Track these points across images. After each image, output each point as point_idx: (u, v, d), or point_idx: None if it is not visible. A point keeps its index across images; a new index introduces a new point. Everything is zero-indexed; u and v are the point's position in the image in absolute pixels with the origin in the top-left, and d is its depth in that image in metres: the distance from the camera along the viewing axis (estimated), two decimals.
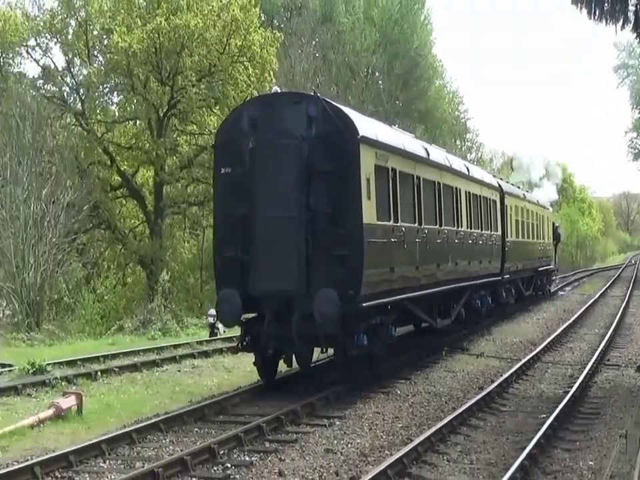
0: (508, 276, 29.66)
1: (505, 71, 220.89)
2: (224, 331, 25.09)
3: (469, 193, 24.40)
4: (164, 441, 12.86)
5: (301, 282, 15.32)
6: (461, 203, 23.26)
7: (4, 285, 30.49)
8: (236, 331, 19.31)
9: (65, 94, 37.86)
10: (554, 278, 47.50)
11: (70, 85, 38.00)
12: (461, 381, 18.49)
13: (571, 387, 16.69)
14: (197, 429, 13.72)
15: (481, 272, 25.34)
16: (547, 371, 20.03)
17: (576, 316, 31.96)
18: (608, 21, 16.65)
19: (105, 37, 36.59)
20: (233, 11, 34.71)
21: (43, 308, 30.25)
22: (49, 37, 36.77)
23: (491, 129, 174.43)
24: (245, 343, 16.36)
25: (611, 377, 19.09)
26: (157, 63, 35.09)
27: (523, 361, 20.23)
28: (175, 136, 37.29)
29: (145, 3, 36.69)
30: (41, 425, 13.88)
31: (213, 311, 24.29)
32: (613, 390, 17.39)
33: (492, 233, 27.30)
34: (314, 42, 51.90)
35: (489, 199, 27.44)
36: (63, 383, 17.48)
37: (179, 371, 19.73)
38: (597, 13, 16.59)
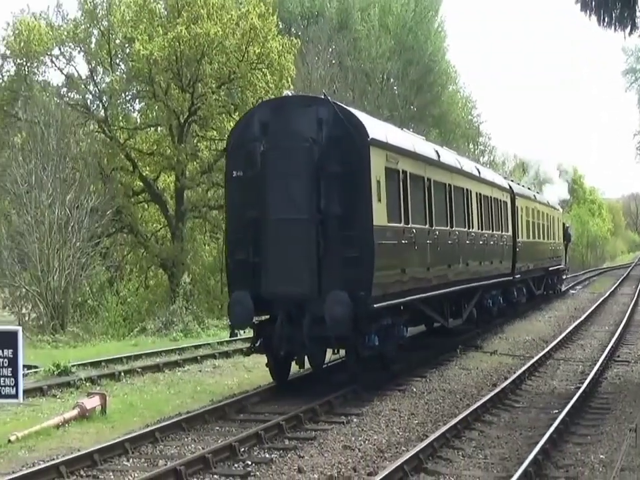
0: (519, 276, 29.76)
1: (515, 75, 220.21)
2: (244, 332, 25.34)
3: (480, 194, 24.42)
4: (186, 440, 13.00)
5: (312, 284, 15.34)
6: (471, 205, 23.29)
7: (29, 288, 30.83)
8: None
9: (88, 101, 38.18)
10: (564, 277, 47.47)
11: (93, 92, 38.38)
12: (475, 378, 18.66)
13: (582, 383, 16.90)
14: (218, 428, 13.81)
15: (492, 272, 25.39)
16: (559, 367, 20.25)
17: (586, 314, 32.18)
18: (617, 27, 16.83)
19: (127, 45, 36.93)
20: (252, 19, 34.99)
21: (68, 311, 30.50)
22: (72, 46, 37.17)
23: (502, 132, 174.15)
24: (257, 345, 16.34)
25: (620, 372, 19.33)
26: (177, 71, 35.42)
27: (536, 358, 20.42)
28: (195, 142, 37.62)
29: (165, 12, 37.05)
30: (66, 425, 14.03)
31: None
32: (622, 385, 17.60)
33: (503, 233, 27.34)
34: (330, 49, 52.15)
35: (500, 200, 27.47)
36: (87, 384, 17.67)
37: (200, 371, 19.91)
38: (606, 19, 16.77)
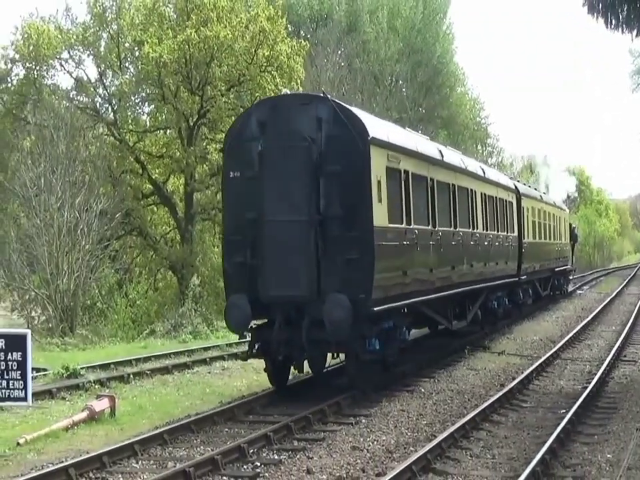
0: (525, 277, 29.60)
1: (518, 76, 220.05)
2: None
3: (485, 194, 24.18)
4: (195, 441, 13.00)
5: (311, 287, 15.00)
6: (476, 205, 23.06)
7: (39, 291, 30.99)
8: None
9: (98, 105, 38.31)
10: (571, 278, 47.43)
11: (102, 95, 38.51)
12: (483, 378, 18.69)
13: (589, 382, 16.94)
14: (227, 429, 13.84)
15: (497, 273, 25.15)
16: (566, 367, 20.29)
17: (593, 314, 32.23)
18: (624, 30, 16.85)
19: (136, 48, 37.01)
20: (261, 22, 35.04)
21: (77, 313, 30.61)
22: (81, 50, 37.27)
23: (508, 132, 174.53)
24: (254, 350, 15.99)
25: (627, 372, 19.35)
26: (187, 73, 35.50)
27: (543, 358, 20.47)
28: (204, 144, 37.68)
29: (175, 16, 37.16)
30: (75, 428, 14.08)
31: None
32: (629, 385, 17.62)
33: (508, 234, 27.13)
34: (339, 51, 52.23)
35: (505, 201, 27.25)
36: (96, 386, 17.74)
37: (209, 372, 19.96)
38: (614, 22, 16.76)
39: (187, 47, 34.56)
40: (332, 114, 15.27)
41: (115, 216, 33.74)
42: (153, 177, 38.24)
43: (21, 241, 32.26)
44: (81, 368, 19.20)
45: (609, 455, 11.93)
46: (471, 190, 22.69)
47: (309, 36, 51.05)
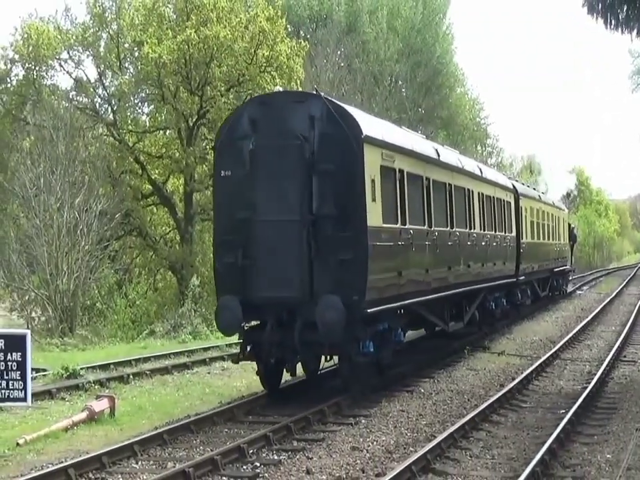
0: (523, 277, 29.41)
1: (518, 76, 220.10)
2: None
3: (482, 194, 23.95)
4: (195, 442, 12.98)
5: (303, 288, 14.72)
6: (473, 205, 22.82)
7: (38, 292, 31.01)
8: None
9: (97, 105, 38.39)
10: (570, 278, 47.36)
11: (102, 96, 38.60)
12: (483, 378, 18.70)
13: (589, 383, 16.97)
14: (226, 430, 13.82)
15: (494, 274, 24.92)
16: (566, 367, 20.32)
17: (593, 314, 32.27)
18: (623, 30, 16.87)
19: (136, 48, 37.02)
20: (260, 22, 35.06)
21: (76, 314, 30.63)
22: (81, 50, 37.33)
23: (507, 133, 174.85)
24: (246, 352, 15.70)
25: (627, 372, 19.38)
26: (186, 74, 35.51)
27: (543, 358, 20.49)
28: (204, 145, 37.66)
29: (175, 16, 37.18)
30: (75, 428, 14.04)
31: None
32: (629, 385, 17.65)
33: (506, 234, 26.94)
34: (339, 51, 52.27)
35: (503, 201, 27.04)
36: (96, 387, 17.73)
37: (209, 373, 19.95)
38: (613, 22, 16.78)
39: (186, 47, 34.57)
40: (325, 112, 15.02)
41: (115, 216, 33.76)
42: (153, 178, 38.27)
43: (21, 242, 32.28)
44: (81, 368, 19.18)
45: (608, 455, 11.95)
46: (468, 189, 22.46)
47: (308, 36, 51.09)
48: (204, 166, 37.46)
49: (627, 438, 12.84)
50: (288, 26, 40.87)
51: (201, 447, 12.65)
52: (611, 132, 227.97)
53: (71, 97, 37.73)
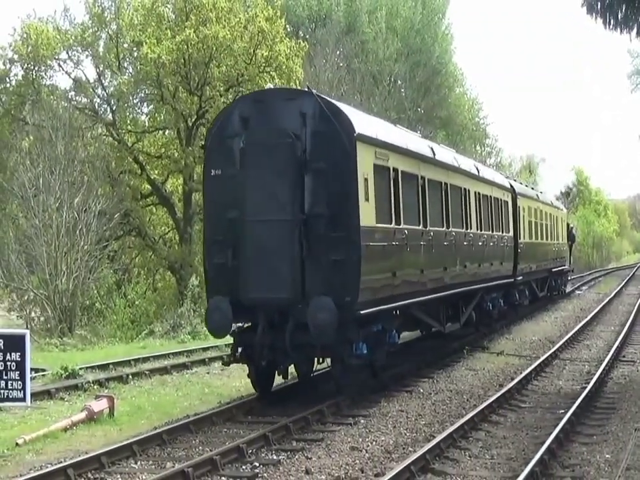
0: (521, 277, 29.27)
1: (517, 76, 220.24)
2: None
3: (479, 193, 23.72)
4: (194, 442, 12.97)
5: (295, 289, 14.47)
6: (470, 204, 22.58)
7: (37, 292, 31.01)
8: None
9: (96, 105, 38.35)
10: (569, 278, 47.26)
11: (101, 96, 38.56)
12: (482, 378, 18.71)
13: (588, 382, 17.00)
14: (225, 430, 13.82)
15: (492, 274, 24.72)
16: (565, 367, 20.35)
17: (592, 314, 32.28)
18: (622, 30, 16.88)
19: (135, 49, 37.02)
20: (260, 22, 35.06)
21: (76, 314, 30.63)
22: (80, 50, 37.29)
23: (504, 133, 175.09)
24: (237, 354, 15.45)
25: (626, 372, 19.41)
26: (185, 74, 35.51)
27: (542, 358, 20.52)
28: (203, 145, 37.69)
29: (174, 16, 37.19)
30: (74, 428, 14.06)
31: None
32: (628, 385, 17.66)
33: (504, 234, 26.73)
34: (338, 52, 52.25)
35: (501, 200, 26.84)
36: (95, 387, 17.76)
37: (208, 373, 19.97)
38: (612, 22, 16.78)
39: (185, 47, 34.56)
40: (317, 109, 14.77)
41: (114, 216, 33.77)
42: (152, 178, 38.29)
43: (20, 242, 32.28)
44: (80, 368, 19.23)
45: (607, 455, 11.96)
46: (465, 189, 22.23)
47: (307, 36, 51.12)
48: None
49: (626, 438, 12.85)
50: (287, 26, 40.86)
51: (200, 447, 12.65)
52: (610, 132, 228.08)
53: (70, 97, 37.73)
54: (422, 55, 56.87)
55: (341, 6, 54.53)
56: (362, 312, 14.64)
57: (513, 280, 27.94)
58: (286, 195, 14.62)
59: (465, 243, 21.79)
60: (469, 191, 22.61)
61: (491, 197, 25.42)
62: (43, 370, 19.67)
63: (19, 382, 13.94)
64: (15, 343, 14.00)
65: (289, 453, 12.35)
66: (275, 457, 12.15)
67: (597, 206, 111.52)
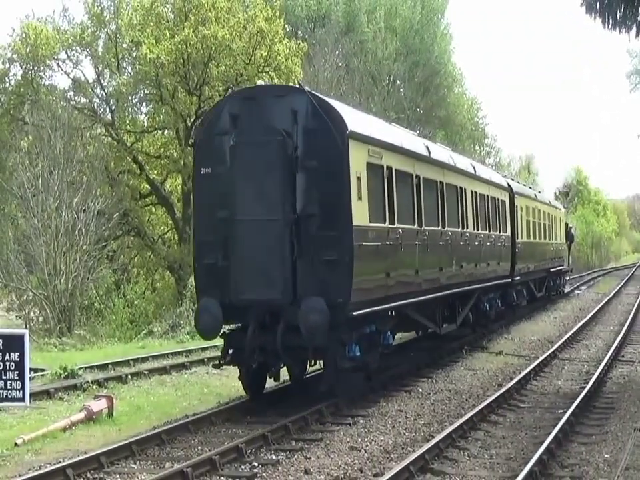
0: (519, 278, 29.03)
1: (516, 75, 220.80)
2: None
3: (476, 192, 23.46)
4: (193, 442, 12.96)
5: (286, 289, 14.19)
6: (466, 204, 22.29)
7: (36, 291, 31.02)
8: None
9: (95, 105, 38.36)
10: (568, 278, 47.14)
11: (100, 96, 38.56)
12: (481, 378, 18.71)
13: (587, 382, 17.01)
14: (224, 430, 13.79)
15: (489, 274, 24.51)
16: (564, 367, 20.35)
17: (591, 314, 32.26)
18: (621, 29, 16.88)
19: (134, 49, 37.01)
20: (259, 22, 35.06)
21: (74, 314, 30.66)
22: (79, 50, 37.34)
23: (503, 132, 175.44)
24: (227, 357, 15.14)
25: (625, 372, 19.41)
26: (184, 74, 35.50)
27: (541, 358, 20.53)
28: None
29: (173, 16, 37.17)
30: (73, 428, 14.05)
31: None
32: (627, 385, 17.67)
33: (501, 234, 26.48)
34: (337, 51, 52.24)
35: (498, 199, 26.57)
36: (94, 387, 17.73)
37: (207, 372, 19.87)
38: (611, 21, 16.76)
39: (184, 47, 34.55)
40: (308, 106, 14.46)
41: (113, 216, 33.80)
42: (151, 177, 38.28)
43: (19, 242, 32.32)
44: (79, 368, 19.21)
45: (606, 455, 11.97)
46: (461, 188, 21.95)
47: (306, 36, 51.14)
48: None
49: (625, 438, 12.87)
50: (286, 26, 40.87)
51: (199, 447, 12.65)
52: (609, 131, 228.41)
53: (69, 96, 37.75)
54: (421, 55, 56.98)
55: (340, 6, 54.56)
56: (354, 313, 14.36)
57: (510, 280, 27.73)
58: (277, 193, 14.35)
59: (461, 243, 21.54)
60: (465, 189, 22.38)
61: (487, 196, 25.20)
62: (42, 370, 19.65)
63: (18, 382, 13.94)
64: (14, 342, 14.00)
65: (287, 452, 12.34)
66: (273, 457, 12.14)
67: (596, 206, 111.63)
